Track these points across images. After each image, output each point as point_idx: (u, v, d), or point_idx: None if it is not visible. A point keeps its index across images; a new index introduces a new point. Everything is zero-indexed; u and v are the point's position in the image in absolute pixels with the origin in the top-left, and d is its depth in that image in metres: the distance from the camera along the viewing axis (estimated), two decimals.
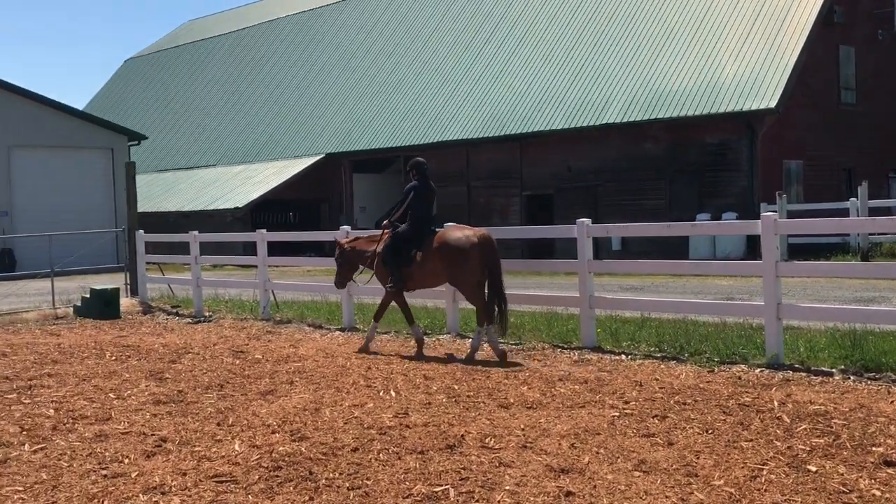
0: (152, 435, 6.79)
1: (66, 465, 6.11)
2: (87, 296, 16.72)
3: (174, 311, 17.22)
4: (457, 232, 10.52)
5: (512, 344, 11.21)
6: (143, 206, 33.37)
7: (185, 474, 5.78)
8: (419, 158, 11.31)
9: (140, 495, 5.41)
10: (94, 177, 35.81)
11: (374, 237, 11.56)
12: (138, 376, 9.44)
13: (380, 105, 39.11)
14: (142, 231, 18.73)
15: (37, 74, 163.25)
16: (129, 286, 18.93)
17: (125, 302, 17.59)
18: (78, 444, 6.62)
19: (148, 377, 9.37)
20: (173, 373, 9.62)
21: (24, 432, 7.02)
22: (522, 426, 6.81)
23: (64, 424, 7.25)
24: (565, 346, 10.94)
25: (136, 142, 37.38)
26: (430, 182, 11.05)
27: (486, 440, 6.43)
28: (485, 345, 10.50)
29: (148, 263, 18.93)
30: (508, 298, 10.47)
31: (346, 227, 14.28)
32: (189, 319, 15.93)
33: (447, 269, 10.43)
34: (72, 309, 17.10)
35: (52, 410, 7.78)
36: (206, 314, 16.25)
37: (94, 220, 33.29)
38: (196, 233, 17.10)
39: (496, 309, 10.23)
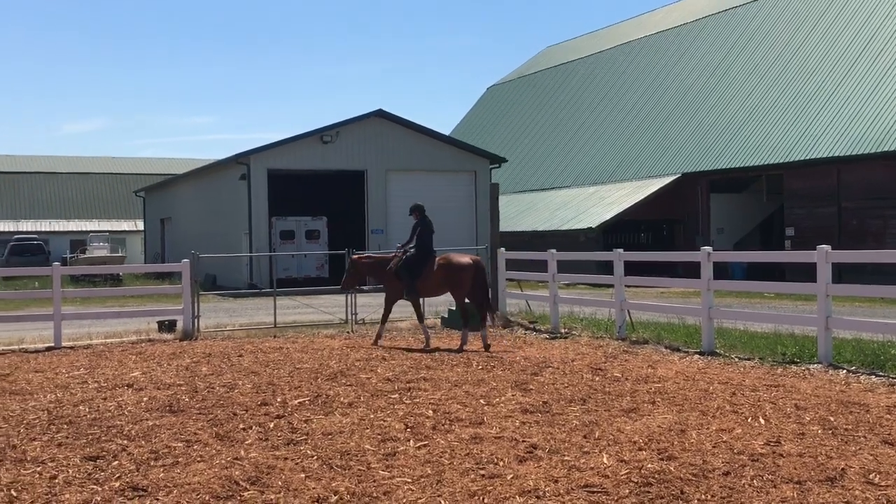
0: (523, 441, 7.08)
1: (447, 462, 6.55)
2: (453, 308, 17.79)
3: (531, 326, 17.80)
4: (458, 257, 14.61)
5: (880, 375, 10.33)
6: (502, 225, 34.85)
7: (556, 481, 5.96)
8: (418, 203, 15.10)
9: (516, 497, 5.66)
10: (458, 197, 38.09)
11: (385, 258, 15.34)
12: (504, 385, 9.88)
13: (740, 123, 37.78)
14: (503, 249, 19.56)
15: (406, 103, 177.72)
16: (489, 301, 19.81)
17: None
18: (456, 443, 7.07)
19: (513, 387, 9.77)
20: (536, 384, 9.95)
21: (408, 429, 7.62)
22: None
23: (442, 425, 7.78)
24: None
25: (497, 165, 39.22)
26: (429, 219, 14.81)
27: (870, 476, 5.97)
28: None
29: (507, 280, 19.74)
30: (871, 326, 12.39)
31: (707, 248, 13.95)
32: (546, 335, 16.39)
33: (447, 283, 14.33)
34: (439, 320, 18.31)
35: (430, 411, 8.38)
36: (563, 331, 16.63)
37: (457, 238, 35.35)
38: (554, 251, 17.57)
39: (483, 313, 14.51)
